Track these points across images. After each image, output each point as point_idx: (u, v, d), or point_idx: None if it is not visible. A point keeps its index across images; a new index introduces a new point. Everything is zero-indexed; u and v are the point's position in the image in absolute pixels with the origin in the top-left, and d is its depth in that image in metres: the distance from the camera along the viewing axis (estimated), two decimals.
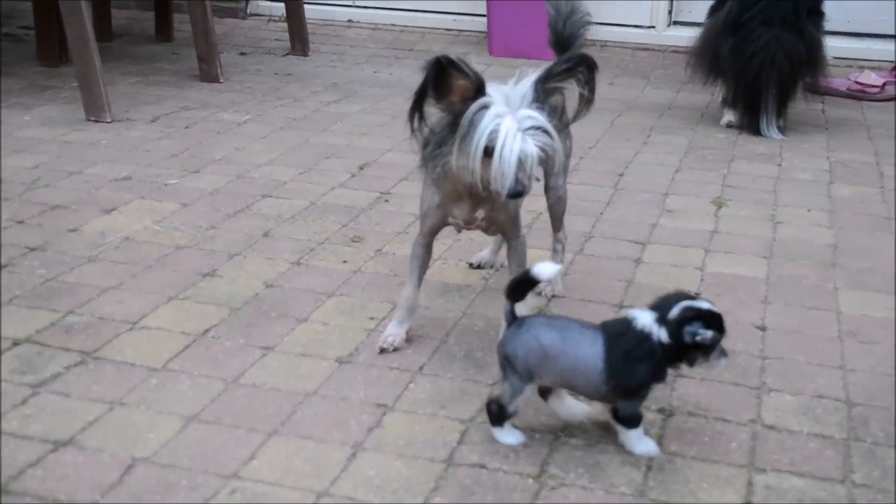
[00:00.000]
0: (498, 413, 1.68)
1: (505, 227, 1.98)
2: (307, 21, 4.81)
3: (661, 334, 1.59)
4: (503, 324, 1.69)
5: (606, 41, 5.12)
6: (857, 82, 4.23)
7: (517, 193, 1.75)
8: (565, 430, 1.74)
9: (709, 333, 1.58)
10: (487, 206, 1.90)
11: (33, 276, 2.27)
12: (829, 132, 3.74)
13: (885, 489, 1.60)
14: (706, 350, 1.61)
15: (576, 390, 1.67)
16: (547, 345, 1.61)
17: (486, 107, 1.71)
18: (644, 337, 1.59)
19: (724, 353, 1.64)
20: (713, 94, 3.96)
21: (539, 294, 2.25)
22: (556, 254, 2.30)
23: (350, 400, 1.82)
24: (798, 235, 2.68)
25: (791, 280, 2.39)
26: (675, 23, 5.15)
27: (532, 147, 1.71)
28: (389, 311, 2.13)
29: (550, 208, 2.25)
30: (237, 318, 2.12)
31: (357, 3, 5.46)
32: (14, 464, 1.60)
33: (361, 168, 3.13)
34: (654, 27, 5.14)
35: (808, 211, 2.87)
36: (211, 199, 2.79)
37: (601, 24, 5.02)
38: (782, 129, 3.67)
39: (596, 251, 2.54)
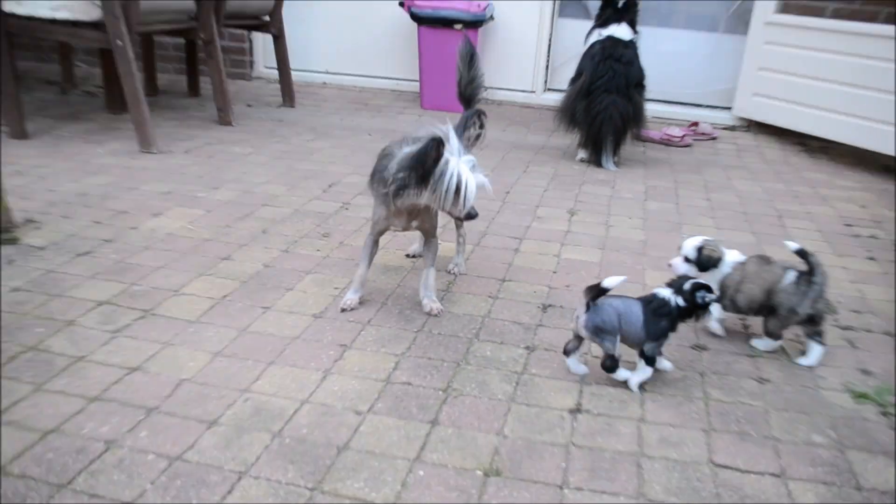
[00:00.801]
0: (612, 363, 1.71)
1: (428, 231, 2.05)
2: (294, 82, 4.79)
3: (678, 300, 1.69)
4: (580, 310, 1.69)
5: (501, 100, 5.14)
6: (666, 133, 4.32)
7: (474, 215, 1.81)
8: (464, 360, 1.81)
9: (713, 296, 1.69)
10: (419, 219, 1.98)
11: (108, 260, 2.26)
12: (646, 167, 3.80)
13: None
14: (706, 310, 1.71)
15: (629, 338, 1.71)
16: (618, 308, 1.70)
17: (448, 161, 1.76)
18: (664, 302, 1.70)
19: (711, 314, 1.74)
20: (571, 139, 3.98)
21: (448, 272, 2.30)
22: (459, 245, 2.34)
23: (321, 341, 1.87)
24: (622, 234, 2.75)
25: (616, 263, 2.47)
26: (549, 89, 5.18)
27: (484, 180, 1.79)
28: (348, 284, 2.17)
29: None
30: (245, 288, 2.14)
31: (330, 71, 5.46)
32: (101, 382, 1.63)
33: (330, 186, 3.11)
34: (534, 91, 5.16)
35: (630, 218, 2.94)
36: (226, 207, 2.78)
37: (497, 88, 5.09)
38: (617, 164, 3.71)
39: (489, 244, 2.59)
